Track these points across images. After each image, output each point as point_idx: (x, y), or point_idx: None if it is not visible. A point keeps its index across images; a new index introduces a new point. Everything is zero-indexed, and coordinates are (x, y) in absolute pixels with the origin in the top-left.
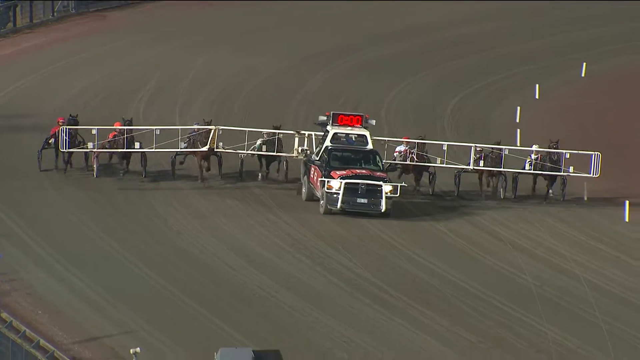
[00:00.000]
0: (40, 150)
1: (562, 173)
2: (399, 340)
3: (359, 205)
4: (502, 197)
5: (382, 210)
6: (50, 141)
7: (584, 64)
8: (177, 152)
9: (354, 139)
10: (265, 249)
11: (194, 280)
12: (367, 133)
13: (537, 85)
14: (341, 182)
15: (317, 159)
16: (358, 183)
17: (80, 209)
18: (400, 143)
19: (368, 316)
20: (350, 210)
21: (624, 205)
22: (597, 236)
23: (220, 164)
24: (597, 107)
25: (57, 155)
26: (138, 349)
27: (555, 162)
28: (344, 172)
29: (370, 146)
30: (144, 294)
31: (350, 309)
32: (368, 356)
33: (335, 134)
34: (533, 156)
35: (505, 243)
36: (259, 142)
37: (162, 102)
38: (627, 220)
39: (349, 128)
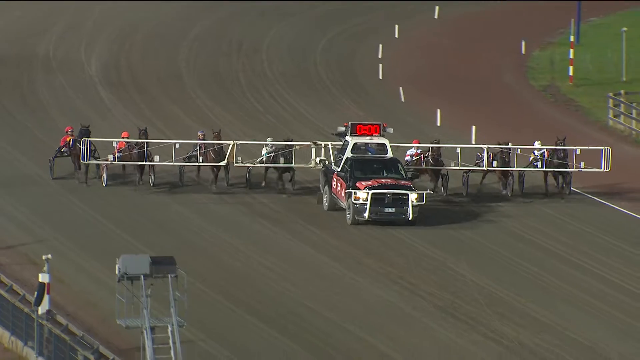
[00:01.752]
0: (53, 159)
1: (573, 169)
2: (281, 250)
3: (386, 215)
4: (509, 194)
5: (410, 219)
6: (62, 150)
7: (437, 7)
8: (184, 164)
9: (372, 147)
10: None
11: (115, 208)
12: (386, 141)
13: (396, 26)
14: (368, 193)
15: (339, 169)
16: (385, 193)
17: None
18: (411, 147)
19: (254, 230)
20: (377, 220)
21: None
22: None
23: (227, 172)
24: (446, 46)
25: (79, 167)
26: (49, 255)
27: (561, 158)
28: (369, 183)
29: (390, 154)
30: (64, 216)
31: (239, 224)
32: (250, 261)
33: (355, 143)
34: (537, 152)
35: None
36: (264, 151)
37: (68, 42)
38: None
39: (368, 137)
